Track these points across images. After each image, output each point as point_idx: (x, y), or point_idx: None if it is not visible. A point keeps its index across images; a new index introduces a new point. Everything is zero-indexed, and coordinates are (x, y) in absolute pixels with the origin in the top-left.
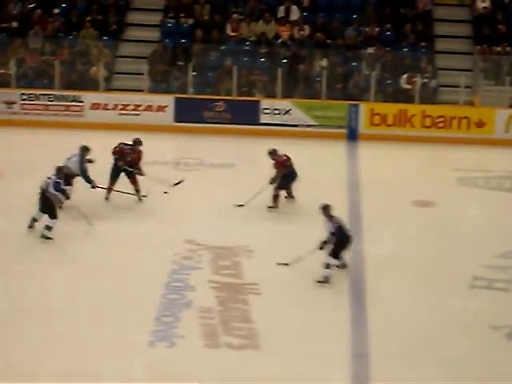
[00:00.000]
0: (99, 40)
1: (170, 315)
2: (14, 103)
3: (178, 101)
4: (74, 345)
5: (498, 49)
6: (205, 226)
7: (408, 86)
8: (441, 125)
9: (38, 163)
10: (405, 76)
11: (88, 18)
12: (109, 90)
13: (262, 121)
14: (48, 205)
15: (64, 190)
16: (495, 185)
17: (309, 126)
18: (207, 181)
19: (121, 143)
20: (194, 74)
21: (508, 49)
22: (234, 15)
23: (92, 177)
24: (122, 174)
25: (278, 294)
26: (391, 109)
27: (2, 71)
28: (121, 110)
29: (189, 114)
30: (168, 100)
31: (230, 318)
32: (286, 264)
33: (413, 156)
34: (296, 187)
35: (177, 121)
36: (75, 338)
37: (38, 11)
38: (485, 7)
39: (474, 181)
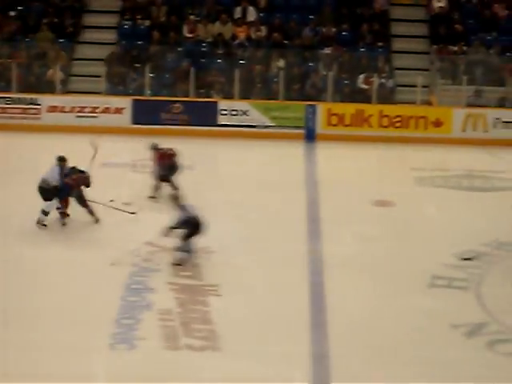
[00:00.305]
0: (56, 42)
1: (129, 317)
2: None
3: (135, 103)
4: (33, 347)
5: (455, 48)
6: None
7: (365, 86)
8: (398, 124)
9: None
10: (362, 76)
11: (44, 21)
12: (66, 92)
13: (220, 122)
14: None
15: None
16: (453, 184)
17: (266, 126)
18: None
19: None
20: (152, 75)
21: (464, 48)
22: (191, 16)
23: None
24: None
25: (237, 296)
26: (349, 109)
27: None
28: (78, 112)
29: (146, 115)
30: (125, 102)
31: (190, 320)
32: None
33: (371, 156)
34: (255, 188)
35: (134, 123)
36: (34, 340)
37: None
38: (441, 7)
39: (432, 180)
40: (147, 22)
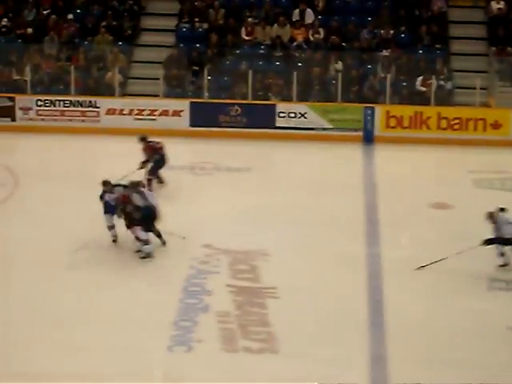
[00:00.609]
0: (114, 45)
1: (187, 320)
2: (29, 109)
3: (193, 105)
4: (93, 349)
5: None
6: (222, 230)
7: (423, 88)
8: (457, 127)
9: (54, 169)
10: (420, 78)
11: (103, 24)
12: (124, 95)
13: (278, 124)
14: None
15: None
16: (511, 186)
17: (324, 129)
18: (223, 185)
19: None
20: (210, 78)
21: None
22: (249, 19)
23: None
24: None
25: (295, 298)
26: (407, 111)
27: (18, 77)
28: (136, 115)
29: (204, 118)
30: (183, 104)
31: (247, 322)
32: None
33: (429, 158)
34: (313, 190)
35: (192, 125)
36: (94, 342)
37: (53, 17)
38: (499, 8)
39: (490, 182)
40: (205, 25)
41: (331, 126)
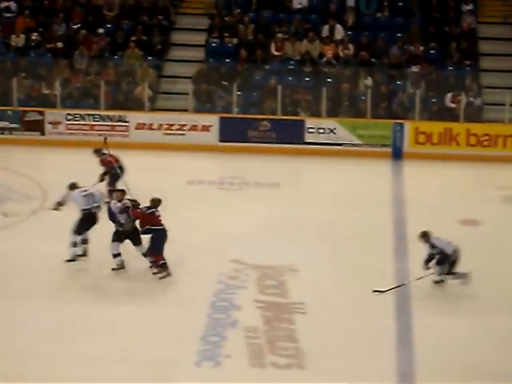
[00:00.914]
0: (144, 60)
1: (215, 334)
2: (59, 123)
3: (222, 120)
4: (120, 362)
5: None
6: (250, 245)
7: (453, 105)
8: (486, 143)
9: (83, 183)
10: (449, 94)
11: (133, 38)
12: (154, 109)
13: (307, 140)
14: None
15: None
16: None
17: (354, 144)
18: (252, 200)
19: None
20: (239, 93)
21: None
22: (278, 35)
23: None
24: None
25: (323, 313)
26: (436, 127)
27: (48, 92)
28: (166, 129)
29: (233, 133)
30: (213, 119)
31: (275, 338)
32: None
33: (458, 174)
34: (342, 205)
35: (221, 140)
36: (122, 355)
37: (83, 31)
38: None
39: None
40: (235, 40)
41: (360, 142)
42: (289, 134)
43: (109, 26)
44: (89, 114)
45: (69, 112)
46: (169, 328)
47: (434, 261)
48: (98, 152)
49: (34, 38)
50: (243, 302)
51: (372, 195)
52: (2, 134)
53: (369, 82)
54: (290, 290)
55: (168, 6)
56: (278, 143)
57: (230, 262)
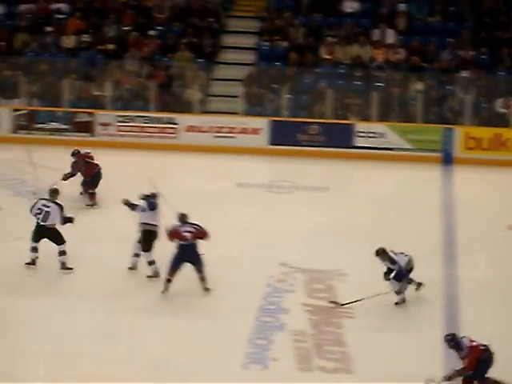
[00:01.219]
0: (194, 62)
1: (263, 338)
2: (109, 125)
3: (272, 123)
4: (166, 363)
5: None
6: (299, 248)
7: (504, 110)
8: None
9: (133, 185)
10: (500, 100)
11: (183, 41)
12: (204, 112)
13: (357, 144)
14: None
15: None
16: None
17: (404, 149)
18: (301, 204)
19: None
20: (289, 96)
21: None
22: (329, 38)
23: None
24: None
25: (370, 318)
26: (486, 133)
27: (98, 93)
28: (216, 132)
29: (283, 136)
30: (263, 123)
31: (323, 342)
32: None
33: (507, 180)
34: (390, 210)
35: (271, 143)
36: (168, 357)
37: (134, 33)
38: None
39: None
40: (285, 43)
41: (410, 147)
42: (338, 138)
43: (159, 28)
44: (139, 116)
45: (119, 114)
46: (216, 330)
47: (392, 275)
48: (76, 154)
49: (84, 39)
50: (291, 306)
51: (421, 200)
52: (53, 135)
53: (419, 86)
54: (338, 294)
55: (218, 9)
56: (327, 147)
57: (279, 265)
